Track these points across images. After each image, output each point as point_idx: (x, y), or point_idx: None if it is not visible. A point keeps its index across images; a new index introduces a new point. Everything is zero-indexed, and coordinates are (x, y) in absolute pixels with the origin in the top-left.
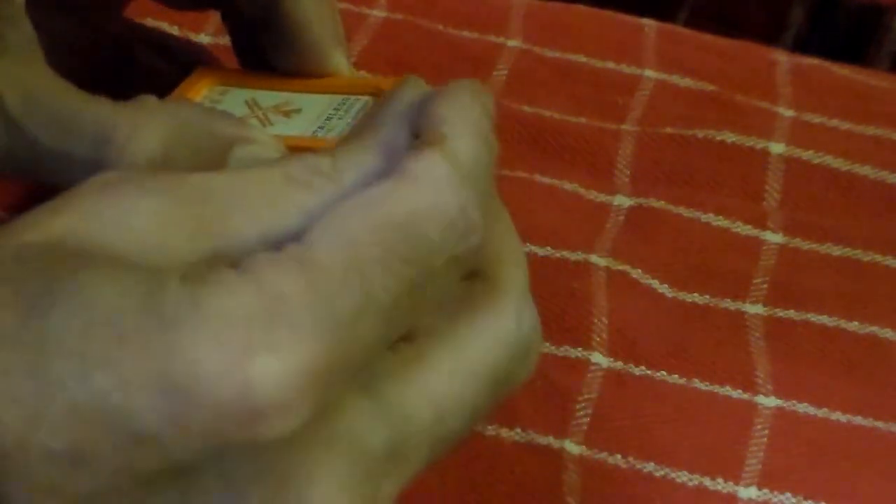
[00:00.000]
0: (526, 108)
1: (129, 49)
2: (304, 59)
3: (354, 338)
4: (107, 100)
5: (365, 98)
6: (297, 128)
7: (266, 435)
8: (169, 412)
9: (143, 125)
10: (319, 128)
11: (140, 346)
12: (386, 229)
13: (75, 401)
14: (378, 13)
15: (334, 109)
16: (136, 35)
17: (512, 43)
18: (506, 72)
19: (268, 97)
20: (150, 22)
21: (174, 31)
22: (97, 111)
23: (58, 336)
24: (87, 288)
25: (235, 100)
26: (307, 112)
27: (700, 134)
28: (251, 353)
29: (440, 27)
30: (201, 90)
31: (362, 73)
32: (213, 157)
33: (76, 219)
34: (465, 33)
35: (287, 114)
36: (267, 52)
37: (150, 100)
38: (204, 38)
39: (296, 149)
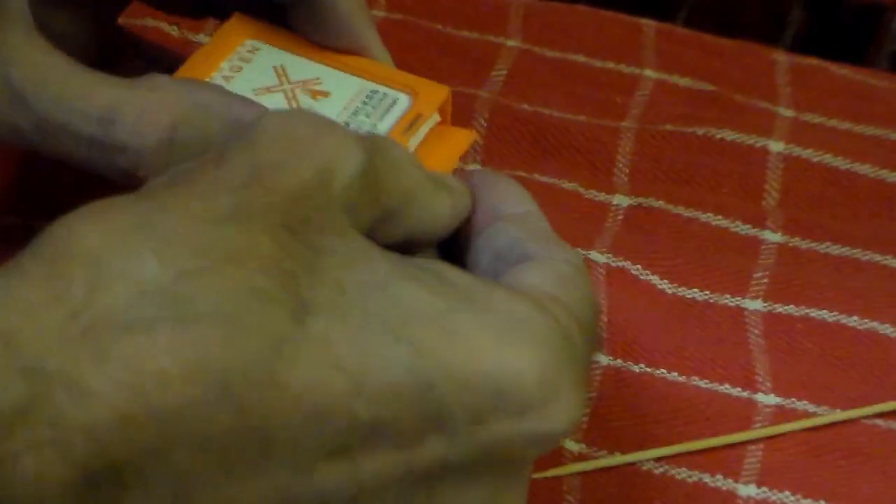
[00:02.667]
0: (525, 108)
1: (119, 55)
2: (336, 34)
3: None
4: (116, 78)
5: (397, 94)
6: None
7: (546, 451)
8: (478, 411)
9: (153, 105)
10: (345, 124)
11: (468, 347)
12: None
13: (398, 380)
14: (377, 13)
15: (363, 101)
16: (128, 41)
17: (511, 43)
18: (505, 71)
19: (299, 66)
20: (149, 22)
21: (173, 30)
22: (105, 90)
23: (380, 317)
24: (396, 282)
25: (265, 61)
26: (336, 97)
27: (699, 132)
28: (560, 382)
29: (440, 27)
30: (235, 42)
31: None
32: (226, 141)
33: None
34: (465, 33)
35: (315, 95)
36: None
37: (161, 79)
38: (203, 39)
39: None
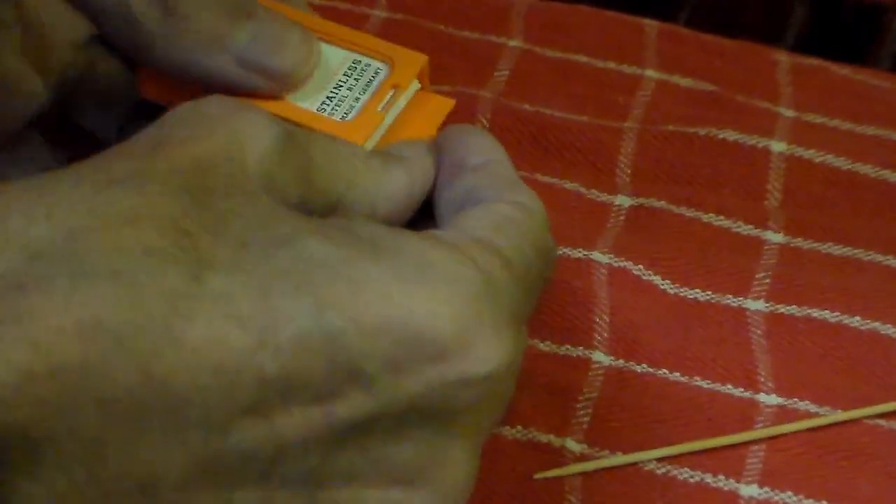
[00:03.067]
0: (527, 108)
1: None
2: None
3: (527, 310)
4: None
5: (377, 64)
6: (306, 96)
7: (479, 395)
8: (393, 359)
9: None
10: (328, 98)
11: (375, 295)
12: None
13: (304, 333)
14: (379, 13)
15: (346, 73)
16: None
17: (513, 43)
18: (507, 72)
19: None
20: None
21: None
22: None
23: (284, 272)
24: (301, 237)
25: None
26: (319, 70)
27: (701, 132)
28: (480, 323)
29: (441, 27)
30: None
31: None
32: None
33: (226, 140)
34: (467, 33)
35: None
36: None
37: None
38: None
39: (298, 125)
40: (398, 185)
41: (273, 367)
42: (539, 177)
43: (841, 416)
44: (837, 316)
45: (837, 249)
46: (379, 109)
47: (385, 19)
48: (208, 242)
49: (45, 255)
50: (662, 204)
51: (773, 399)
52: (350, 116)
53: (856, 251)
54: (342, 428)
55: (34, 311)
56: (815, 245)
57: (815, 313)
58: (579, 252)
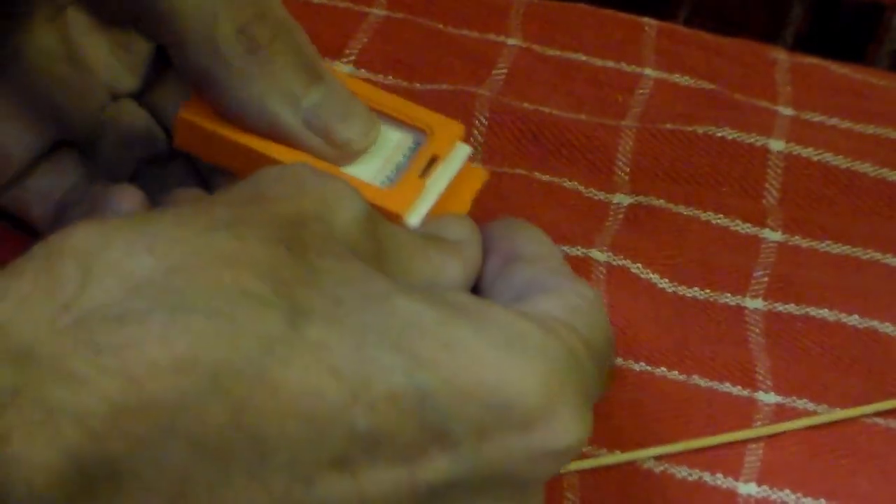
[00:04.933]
0: (526, 106)
1: None
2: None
3: (599, 392)
4: None
5: (416, 132)
6: (367, 170)
7: (553, 469)
8: (481, 424)
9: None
10: (387, 178)
11: (467, 358)
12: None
13: (397, 390)
14: (378, 12)
15: (404, 154)
16: None
17: (512, 41)
18: (506, 70)
19: None
20: None
21: None
22: None
23: (381, 328)
24: (394, 296)
25: None
26: (378, 145)
27: (700, 131)
28: (565, 396)
29: (440, 26)
30: None
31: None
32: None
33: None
34: (465, 32)
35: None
36: None
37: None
38: None
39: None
40: (454, 274)
41: (364, 421)
42: (538, 175)
43: (839, 414)
44: (836, 314)
45: (836, 248)
46: (419, 177)
47: (384, 18)
48: (304, 293)
49: (145, 289)
50: (661, 202)
51: (772, 397)
52: (391, 184)
53: (854, 249)
54: (424, 490)
55: (131, 343)
56: (813, 243)
57: (814, 312)
58: (577, 250)
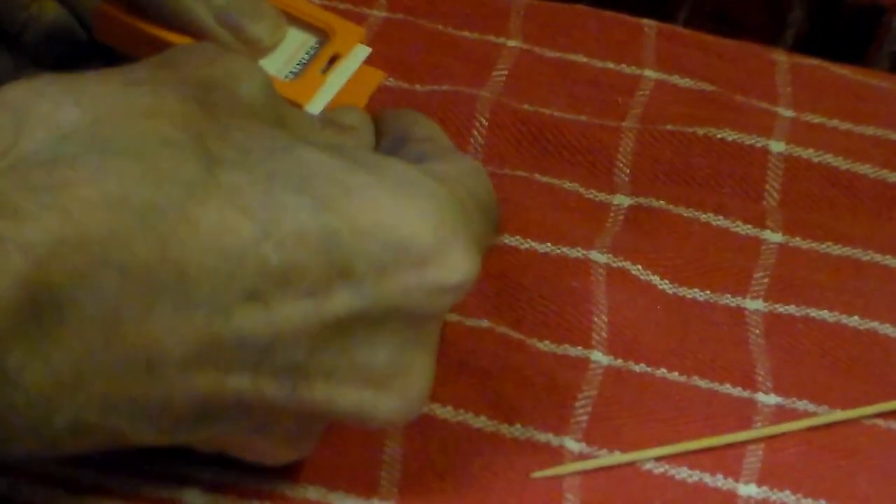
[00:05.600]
0: (526, 108)
1: None
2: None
3: (485, 242)
4: None
5: (320, 33)
6: (273, 65)
7: (446, 304)
8: (381, 261)
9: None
10: (291, 72)
11: (367, 201)
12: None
13: (304, 228)
14: (378, 13)
15: (294, 41)
16: None
17: (512, 43)
18: (506, 72)
19: None
20: None
21: None
22: None
23: (287, 174)
24: (298, 146)
25: None
26: (285, 43)
27: (700, 132)
28: (455, 237)
29: (440, 27)
30: None
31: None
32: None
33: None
34: (466, 33)
35: None
36: None
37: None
38: None
39: None
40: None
41: (275, 257)
42: (538, 176)
43: (839, 415)
44: (836, 315)
45: (836, 249)
46: (321, 72)
47: (384, 19)
48: (217, 144)
49: (74, 136)
50: (661, 203)
51: (772, 398)
52: (294, 78)
53: (854, 251)
54: (330, 323)
55: (65, 182)
56: (813, 245)
57: (814, 313)
58: (577, 252)
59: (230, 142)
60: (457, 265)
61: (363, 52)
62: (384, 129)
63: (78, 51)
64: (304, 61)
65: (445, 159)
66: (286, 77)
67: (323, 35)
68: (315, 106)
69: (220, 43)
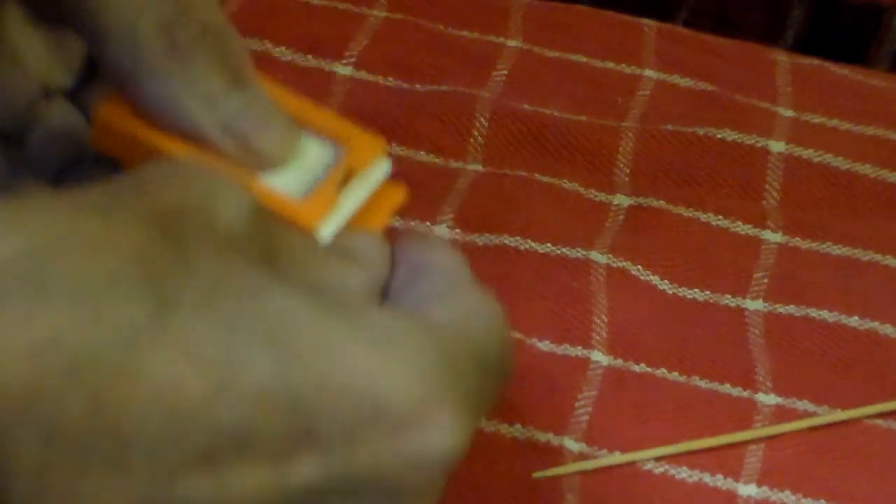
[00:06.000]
0: (526, 108)
1: None
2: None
3: (486, 404)
4: None
5: (336, 145)
6: (285, 181)
7: (433, 479)
8: (352, 425)
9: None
10: (304, 190)
11: (340, 355)
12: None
13: (264, 385)
14: (378, 13)
15: (318, 161)
16: None
17: (512, 43)
18: (506, 72)
19: None
20: None
21: None
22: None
23: (253, 321)
24: (269, 289)
25: None
26: (300, 157)
27: (700, 132)
28: (440, 400)
29: (440, 27)
30: None
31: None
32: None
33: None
34: (466, 33)
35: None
36: None
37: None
38: None
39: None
40: (356, 282)
41: (229, 417)
42: (538, 177)
43: (839, 415)
44: (836, 315)
45: (836, 249)
46: (335, 190)
47: (384, 19)
48: (176, 281)
49: (7, 269)
50: (661, 203)
51: (772, 398)
52: (304, 196)
53: (854, 251)
54: (294, 492)
55: None
56: (813, 245)
57: (814, 313)
58: (578, 252)
59: (193, 281)
60: (441, 432)
61: (383, 167)
62: (401, 257)
63: (84, 160)
64: (318, 177)
65: (458, 301)
66: (298, 195)
67: (340, 148)
68: (328, 229)
69: (225, 153)
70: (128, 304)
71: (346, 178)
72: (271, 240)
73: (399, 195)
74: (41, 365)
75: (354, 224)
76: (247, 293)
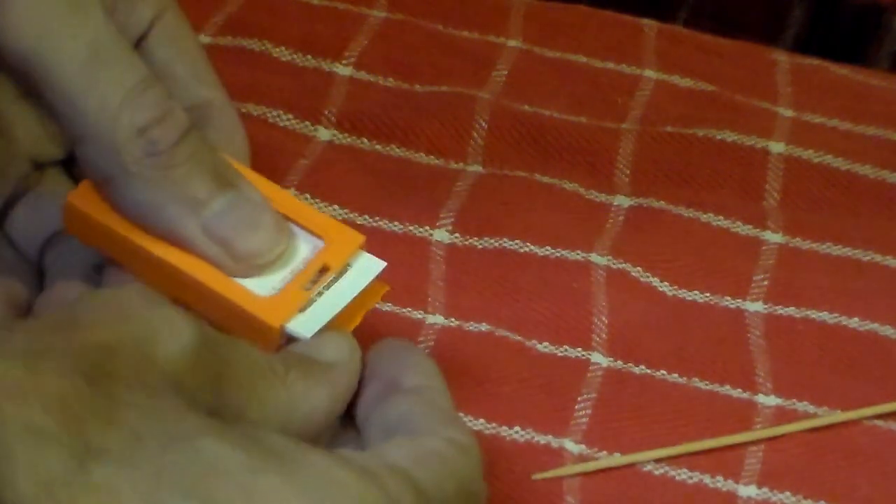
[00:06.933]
0: (526, 108)
1: None
2: None
3: None
4: None
5: (312, 239)
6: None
7: None
8: None
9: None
10: (275, 287)
11: None
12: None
13: None
14: (378, 13)
15: (296, 256)
16: None
17: (512, 43)
18: (506, 72)
19: None
20: None
21: None
22: None
23: (179, 471)
24: (201, 437)
25: None
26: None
27: (700, 133)
28: None
29: (440, 27)
30: None
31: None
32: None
33: (137, 330)
34: (465, 33)
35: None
36: None
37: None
38: (204, 39)
39: (214, 292)
40: (318, 405)
41: None
42: (538, 177)
43: (839, 416)
44: (836, 317)
45: (836, 250)
46: (304, 288)
47: (384, 19)
48: (98, 430)
49: None
50: (661, 204)
51: (772, 400)
52: (272, 292)
53: (854, 251)
54: None
55: None
56: (813, 245)
57: (814, 314)
58: (578, 254)
59: (118, 428)
60: None
61: (376, 266)
62: (375, 368)
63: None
64: (294, 272)
65: (422, 436)
66: (265, 292)
67: (318, 242)
68: (306, 329)
69: (206, 257)
70: (44, 454)
71: (322, 273)
72: (220, 368)
73: (379, 293)
74: None
75: (338, 322)
76: (178, 439)
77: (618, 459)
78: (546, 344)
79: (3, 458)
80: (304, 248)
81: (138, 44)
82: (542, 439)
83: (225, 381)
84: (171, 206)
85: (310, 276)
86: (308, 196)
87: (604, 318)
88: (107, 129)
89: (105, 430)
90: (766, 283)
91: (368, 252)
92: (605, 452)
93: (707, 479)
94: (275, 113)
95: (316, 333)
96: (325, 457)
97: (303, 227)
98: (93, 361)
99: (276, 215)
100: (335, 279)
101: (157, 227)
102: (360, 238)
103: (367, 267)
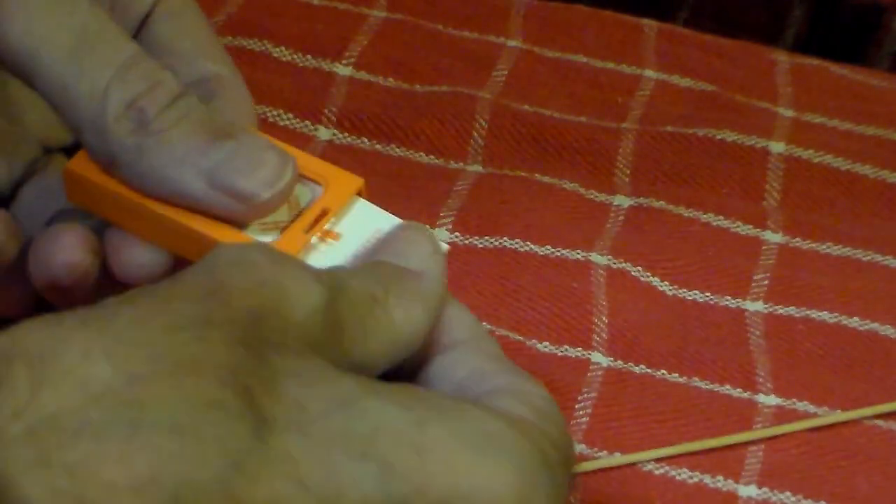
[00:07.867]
0: (526, 108)
1: None
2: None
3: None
4: None
5: (312, 185)
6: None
7: None
8: None
9: None
10: (272, 234)
11: (441, 464)
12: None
13: (369, 501)
14: (378, 13)
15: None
16: None
17: (512, 43)
18: (506, 72)
19: None
20: None
21: None
22: None
23: (349, 435)
24: (363, 398)
25: None
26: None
27: (700, 133)
28: (539, 497)
29: (440, 27)
30: None
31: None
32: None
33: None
34: (466, 33)
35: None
36: None
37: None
38: None
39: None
40: (419, 327)
41: None
42: (538, 177)
43: (839, 416)
44: (836, 316)
45: (836, 250)
46: (304, 231)
47: (384, 19)
48: (267, 400)
49: (103, 399)
50: (661, 204)
51: (772, 399)
52: (272, 240)
53: (855, 251)
54: None
55: (87, 461)
56: (813, 245)
57: (814, 314)
58: (578, 254)
59: (282, 396)
60: None
61: (389, 222)
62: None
63: (76, 212)
64: (293, 219)
65: (520, 391)
66: (265, 239)
67: (317, 187)
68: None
69: (215, 209)
70: (229, 428)
71: (321, 217)
72: (340, 312)
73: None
74: (144, 501)
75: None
76: (339, 403)
77: (618, 459)
78: (546, 344)
79: (190, 435)
80: (305, 194)
81: (143, 23)
82: None
83: (344, 325)
84: (171, 169)
85: (308, 220)
86: None
87: (604, 318)
88: (97, 111)
89: (271, 398)
90: (766, 282)
91: (367, 198)
92: (605, 452)
93: (707, 479)
94: (275, 112)
95: (393, 227)
96: (476, 407)
97: (302, 175)
98: (245, 329)
99: (280, 150)
100: (335, 223)
101: (164, 193)
102: (359, 181)
103: (368, 215)
